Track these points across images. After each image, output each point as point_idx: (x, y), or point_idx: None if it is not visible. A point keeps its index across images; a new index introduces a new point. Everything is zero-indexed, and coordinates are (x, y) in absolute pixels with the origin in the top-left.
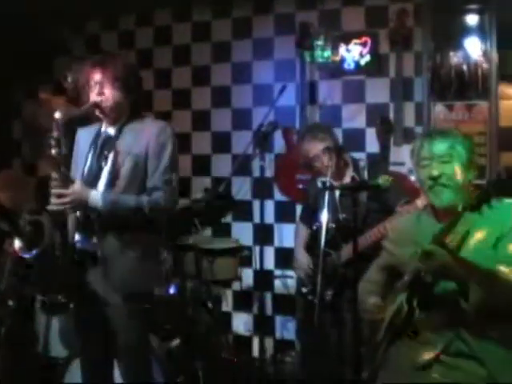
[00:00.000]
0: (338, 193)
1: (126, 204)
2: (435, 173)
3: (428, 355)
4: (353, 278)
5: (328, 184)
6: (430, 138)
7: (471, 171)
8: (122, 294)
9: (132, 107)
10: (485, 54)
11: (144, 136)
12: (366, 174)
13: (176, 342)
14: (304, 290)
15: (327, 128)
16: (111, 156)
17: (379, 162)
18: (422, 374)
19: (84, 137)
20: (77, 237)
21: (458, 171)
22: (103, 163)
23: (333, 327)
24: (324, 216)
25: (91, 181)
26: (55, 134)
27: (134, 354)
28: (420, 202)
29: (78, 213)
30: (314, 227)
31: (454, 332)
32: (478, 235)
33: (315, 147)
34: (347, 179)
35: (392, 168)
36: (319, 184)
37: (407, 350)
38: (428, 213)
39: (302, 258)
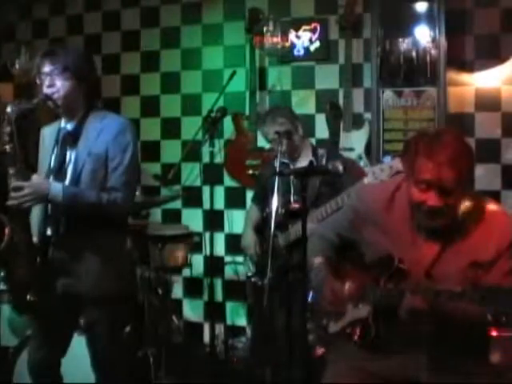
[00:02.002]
0: (292, 177)
1: (87, 199)
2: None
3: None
4: (301, 260)
5: (282, 167)
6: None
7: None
8: (94, 291)
9: (88, 98)
10: (433, 40)
11: (105, 135)
12: (324, 160)
13: (127, 329)
14: (249, 273)
15: (288, 112)
16: (73, 154)
17: (330, 147)
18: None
19: (48, 134)
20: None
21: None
22: (65, 161)
23: (282, 310)
24: (275, 199)
25: (55, 179)
26: (7, 129)
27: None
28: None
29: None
30: (265, 213)
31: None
32: (460, 253)
33: (274, 130)
34: (304, 163)
35: (342, 154)
36: (276, 166)
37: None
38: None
39: (250, 238)
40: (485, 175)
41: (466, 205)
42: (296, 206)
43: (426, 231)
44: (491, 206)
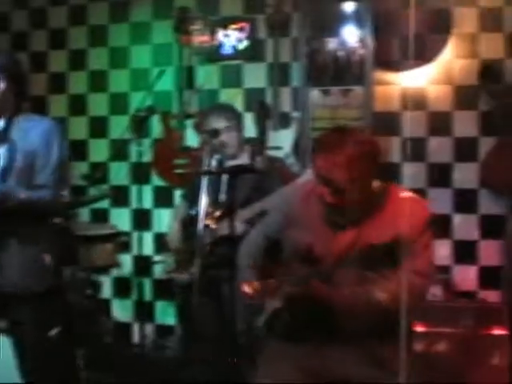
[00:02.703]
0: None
1: (15, 196)
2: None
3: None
4: (229, 257)
5: (215, 165)
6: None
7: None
8: (16, 289)
9: (18, 98)
10: (361, 40)
11: (33, 134)
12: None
13: (55, 330)
14: (168, 269)
15: (232, 109)
16: (1, 152)
17: (258, 146)
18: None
19: None
20: None
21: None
22: None
23: (211, 308)
24: (204, 198)
25: None
26: None
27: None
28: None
29: None
30: (194, 211)
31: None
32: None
33: (217, 126)
34: (241, 161)
35: (269, 152)
36: (214, 163)
37: (289, 345)
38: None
39: (174, 231)
40: (411, 174)
41: (371, 193)
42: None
43: (337, 222)
44: (401, 192)
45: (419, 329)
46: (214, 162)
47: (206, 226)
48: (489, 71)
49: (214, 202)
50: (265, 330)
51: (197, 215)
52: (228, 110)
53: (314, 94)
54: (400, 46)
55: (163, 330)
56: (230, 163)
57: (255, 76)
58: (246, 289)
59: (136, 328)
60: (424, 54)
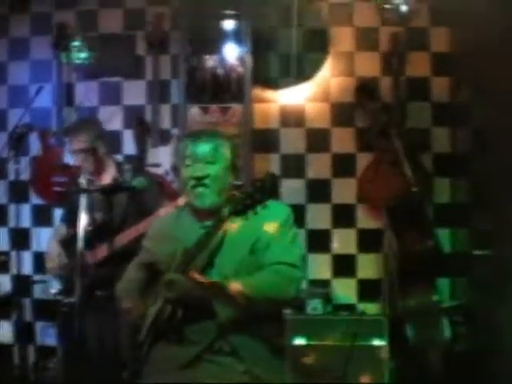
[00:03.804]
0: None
1: None
2: (198, 173)
3: (191, 354)
4: (109, 277)
5: (86, 184)
6: (195, 138)
7: (233, 173)
8: None
9: None
10: (240, 58)
11: None
12: (129, 176)
13: None
14: (54, 290)
15: (91, 127)
16: None
17: (136, 163)
18: (185, 373)
19: None
20: None
21: (221, 173)
22: None
23: (92, 328)
24: (82, 217)
25: None
26: None
27: None
28: (180, 201)
29: None
30: (72, 231)
31: (217, 332)
32: (238, 240)
33: (76, 147)
34: (108, 180)
35: (149, 169)
36: (82, 183)
37: (170, 350)
38: (188, 210)
39: (54, 250)
40: (290, 190)
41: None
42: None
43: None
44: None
45: (300, 342)
46: (83, 181)
47: (87, 247)
48: (365, 89)
49: (92, 222)
50: (147, 339)
51: (75, 235)
52: (88, 129)
53: (194, 111)
54: (278, 63)
55: (44, 351)
56: (101, 182)
57: (134, 93)
58: (128, 314)
59: (16, 349)
60: (302, 72)
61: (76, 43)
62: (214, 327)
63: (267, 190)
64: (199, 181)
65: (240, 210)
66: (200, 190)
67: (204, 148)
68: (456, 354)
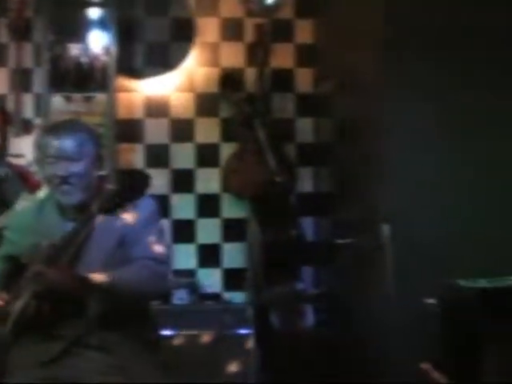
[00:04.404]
0: None
1: None
2: (62, 172)
3: (58, 349)
4: None
5: None
6: (57, 133)
7: (98, 166)
8: None
9: None
10: (104, 47)
11: None
12: None
13: None
14: None
15: None
16: None
17: None
18: (51, 368)
19: None
20: None
21: (87, 169)
22: None
23: None
24: None
25: None
26: None
27: None
28: (42, 193)
29: None
30: None
31: (85, 326)
32: (106, 234)
33: None
34: None
35: (11, 160)
36: None
37: (37, 345)
38: (53, 204)
39: None
40: (155, 180)
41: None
42: None
43: (72, 218)
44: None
45: (167, 332)
46: None
47: None
48: (229, 79)
49: None
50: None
51: None
52: None
53: (57, 100)
54: (143, 53)
55: None
56: None
57: None
58: None
59: None
60: (167, 62)
61: None
62: (81, 321)
63: (137, 188)
64: (64, 179)
65: (108, 209)
66: (65, 187)
67: (67, 145)
68: (320, 341)
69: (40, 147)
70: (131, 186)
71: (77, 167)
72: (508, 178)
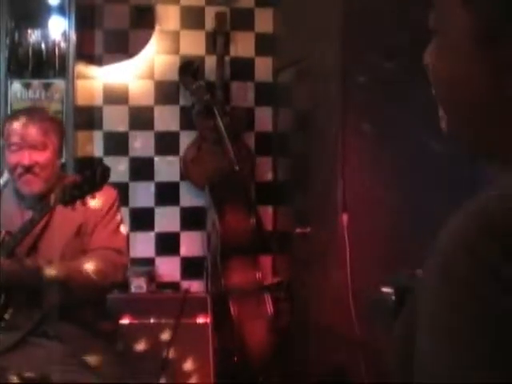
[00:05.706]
0: None
1: None
2: (26, 162)
3: (14, 338)
4: None
5: None
6: (21, 121)
7: (61, 155)
8: None
9: None
10: (63, 33)
11: None
12: None
13: None
14: None
15: None
16: None
17: None
18: (6, 357)
19: None
20: None
21: (50, 159)
22: None
23: None
24: None
25: None
26: None
27: None
28: (2, 180)
29: None
30: None
31: (41, 316)
32: (64, 224)
33: None
34: None
35: None
36: None
37: None
38: (12, 193)
39: None
40: (113, 167)
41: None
42: None
43: (31, 207)
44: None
45: (124, 321)
46: None
47: None
48: (188, 68)
49: None
50: None
51: None
52: None
53: (15, 86)
54: (103, 39)
55: None
56: None
57: None
58: None
59: None
60: (127, 49)
61: None
62: (38, 311)
63: (97, 181)
64: (27, 168)
65: (68, 201)
66: (28, 177)
67: (32, 133)
68: (279, 330)
69: (4, 134)
70: (91, 177)
71: (41, 156)
72: None
